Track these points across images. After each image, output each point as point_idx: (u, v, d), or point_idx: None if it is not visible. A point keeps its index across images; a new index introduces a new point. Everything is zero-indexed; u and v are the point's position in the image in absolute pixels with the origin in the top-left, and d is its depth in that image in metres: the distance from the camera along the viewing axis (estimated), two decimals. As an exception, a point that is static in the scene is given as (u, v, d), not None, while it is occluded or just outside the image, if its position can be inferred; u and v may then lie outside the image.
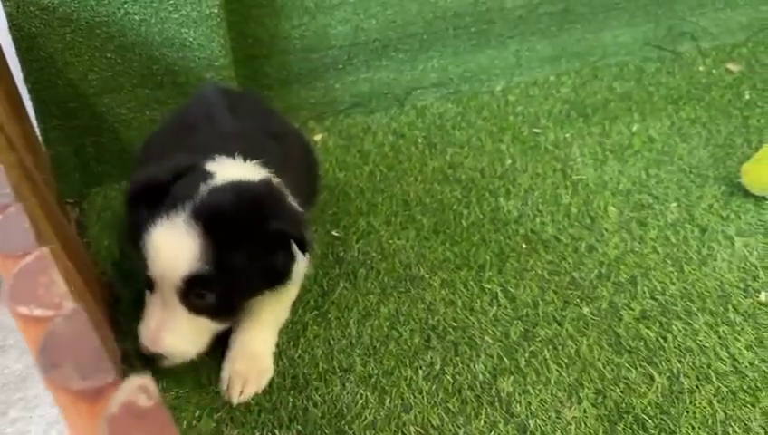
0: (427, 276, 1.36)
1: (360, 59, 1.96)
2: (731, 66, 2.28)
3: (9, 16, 1.43)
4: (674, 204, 1.58)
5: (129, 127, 1.66)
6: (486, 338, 1.21)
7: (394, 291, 1.33)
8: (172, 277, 1.01)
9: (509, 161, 1.78)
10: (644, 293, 1.31)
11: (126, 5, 1.52)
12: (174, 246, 1.00)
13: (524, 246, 1.45)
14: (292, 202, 1.14)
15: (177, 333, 1.05)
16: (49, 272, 0.51)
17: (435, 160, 1.79)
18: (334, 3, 1.84)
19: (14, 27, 1.46)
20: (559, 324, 1.23)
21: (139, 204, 1.06)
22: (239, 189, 1.05)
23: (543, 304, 1.28)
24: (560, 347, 1.19)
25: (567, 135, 1.90)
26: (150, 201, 1.04)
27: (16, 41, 1.48)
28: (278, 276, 1.12)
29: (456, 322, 1.25)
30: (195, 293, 1.03)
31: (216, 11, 1.54)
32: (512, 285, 1.33)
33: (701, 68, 2.29)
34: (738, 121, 1.93)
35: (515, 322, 1.24)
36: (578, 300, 1.29)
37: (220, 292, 1.04)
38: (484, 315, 1.26)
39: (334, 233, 1.48)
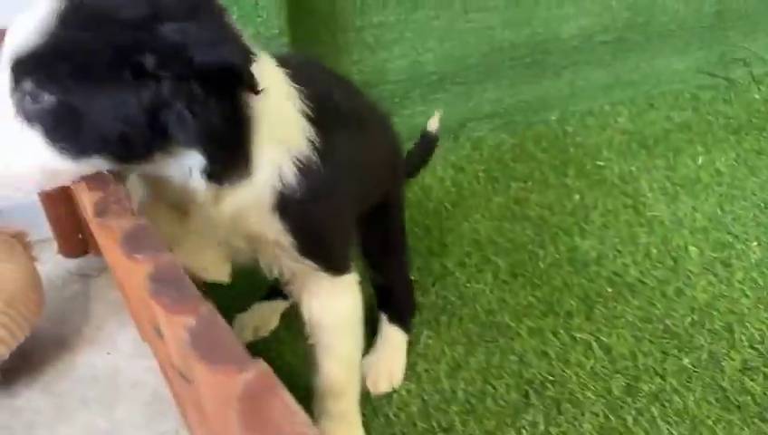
0: (512, 324, 1.31)
1: (417, 93, 1.92)
2: (789, 93, 2.24)
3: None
4: (754, 243, 1.53)
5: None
6: (588, 394, 1.16)
7: (481, 340, 1.28)
8: (5, 62, 0.71)
9: (577, 197, 1.73)
10: (742, 341, 1.26)
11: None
12: (20, 22, 0.71)
13: (609, 290, 1.40)
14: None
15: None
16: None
17: (499, 196, 1.74)
18: (393, 38, 1.80)
19: None
20: (661, 378, 1.18)
21: None
22: None
23: (642, 355, 1.23)
24: (666, 403, 1.14)
25: (632, 168, 1.85)
26: None
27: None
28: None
29: (552, 375, 1.20)
30: (26, 85, 0.70)
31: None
32: (604, 335, 1.28)
33: (756, 96, 2.24)
34: (807, 153, 1.89)
35: (615, 375, 1.19)
36: (676, 350, 1.24)
37: (59, 90, 0.69)
38: (582, 368, 1.21)
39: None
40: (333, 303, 0.98)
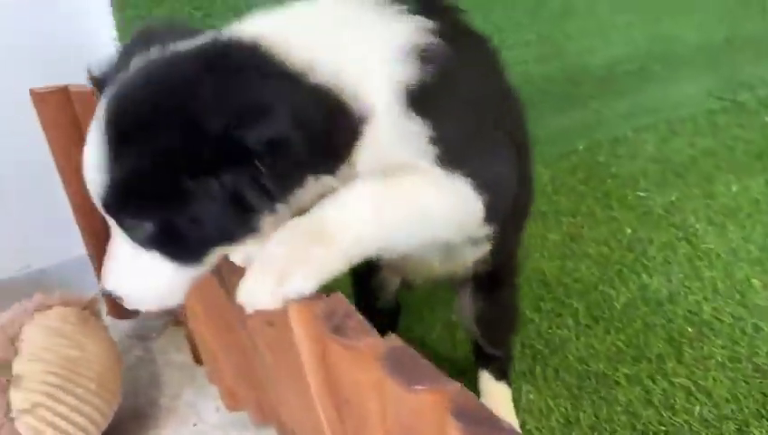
0: (609, 372, 1.31)
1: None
2: (797, 116, 2.32)
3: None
4: (810, 272, 1.56)
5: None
6: (705, 443, 1.16)
7: (583, 393, 1.27)
8: (97, 202, 0.73)
9: (629, 230, 1.75)
10: (832, 377, 1.29)
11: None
12: (90, 159, 0.72)
13: (690, 329, 1.41)
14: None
15: (125, 272, 0.76)
16: None
17: (553, 232, 1.75)
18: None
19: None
20: (769, 421, 1.20)
21: None
22: (171, 66, 0.70)
23: (742, 397, 1.24)
24: (781, 448, 1.15)
25: (672, 198, 1.89)
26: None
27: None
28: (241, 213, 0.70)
29: (663, 425, 1.20)
30: (124, 221, 0.73)
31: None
32: (700, 378, 1.29)
33: (767, 118, 2.31)
34: (829, 176, 1.95)
35: (725, 422, 1.20)
36: (773, 391, 1.25)
37: (149, 218, 0.71)
38: (690, 415, 1.21)
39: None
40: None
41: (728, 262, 1.61)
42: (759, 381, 1.28)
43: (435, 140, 0.74)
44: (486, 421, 0.50)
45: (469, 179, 0.77)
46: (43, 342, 1.13)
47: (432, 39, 0.76)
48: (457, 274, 1.04)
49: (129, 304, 0.78)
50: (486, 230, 0.86)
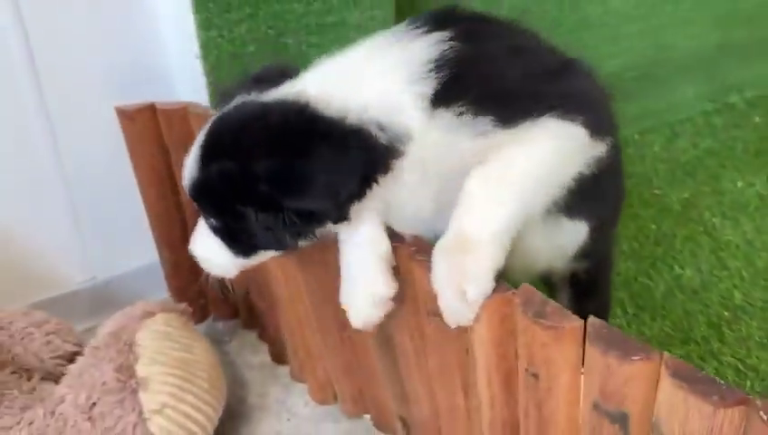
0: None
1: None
2: (784, 116, 2.51)
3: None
4: (821, 257, 1.73)
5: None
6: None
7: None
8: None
9: (653, 226, 1.89)
10: None
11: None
12: (189, 159, 0.94)
13: (726, 313, 1.55)
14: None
15: (202, 241, 0.97)
16: None
17: (583, 230, 1.87)
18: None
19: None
20: (811, 390, 1.34)
21: None
22: (231, 121, 0.90)
23: (783, 371, 1.39)
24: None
25: (686, 195, 2.04)
26: None
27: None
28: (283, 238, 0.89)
29: (721, 399, 1.33)
30: (202, 211, 0.95)
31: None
32: (744, 356, 1.43)
33: (757, 118, 2.50)
34: (822, 170, 2.13)
35: (773, 392, 1.34)
36: (810, 364, 1.40)
37: (215, 218, 0.92)
38: (743, 389, 1.34)
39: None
40: None
41: (747, 252, 1.76)
42: (795, 357, 1.43)
43: (478, 110, 0.79)
44: (701, 379, 0.60)
45: (549, 112, 0.80)
46: (156, 346, 1.20)
47: (446, 46, 0.83)
48: (557, 269, 1.15)
49: (203, 267, 1.00)
50: (602, 147, 0.86)
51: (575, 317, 0.69)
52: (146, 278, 1.67)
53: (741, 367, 1.41)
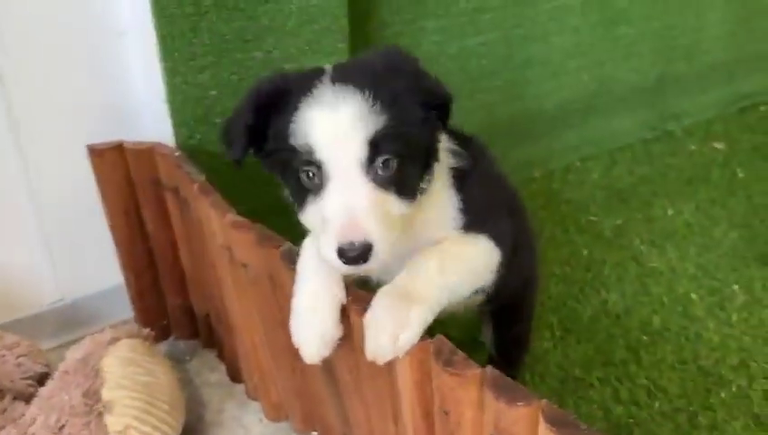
0: (584, 376, 1.60)
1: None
2: (716, 145, 2.70)
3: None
4: (735, 286, 1.91)
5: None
6: (663, 431, 1.46)
7: (564, 394, 1.55)
8: (354, 145, 0.90)
9: (585, 252, 2.06)
10: (758, 373, 1.62)
11: (280, 145, 1.65)
12: (343, 112, 0.90)
13: (645, 338, 1.72)
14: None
15: (374, 214, 0.90)
16: None
17: (523, 255, 2.02)
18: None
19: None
20: (712, 411, 1.51)
21: (263, 112, 0.97)
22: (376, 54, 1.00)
23: (691, 393, 1.55)
24: (721, 433, 1.47)
25: (618, 221, 2.21)
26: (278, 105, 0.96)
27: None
28: (431, 150, 1.01)
29: (632, 418, 1.49)
30: (381, 159, 0.92)
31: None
32: (657, 378, 1.59)
33: (693, 146, 2.69)
34: (744, 201, 2.32)
35: (679, 413, 1.50)
36: (715, 386, 1.57)
37: (401, 155, 0.93)
38: (651, 410, 1.51)
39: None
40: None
41: (670, 279, 1.93)
42: (703, 379, 1.60)
43: (465, 211, 1.08)
44: (571, 425, 0.75)
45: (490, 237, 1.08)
46: (121, 371, 1.31)
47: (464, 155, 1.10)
48: (470, 310, 1.32)
49: (374, 257, 0.91)
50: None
51: (476, 366, 0.83)
52: (112, 299, 1.78)
53: (652, 388, 1.57)
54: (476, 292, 1.12)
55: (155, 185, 1.50)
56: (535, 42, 2.21)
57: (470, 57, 2.09)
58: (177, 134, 1.52)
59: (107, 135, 1.51)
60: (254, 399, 1.53)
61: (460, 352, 0.86)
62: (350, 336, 1.02)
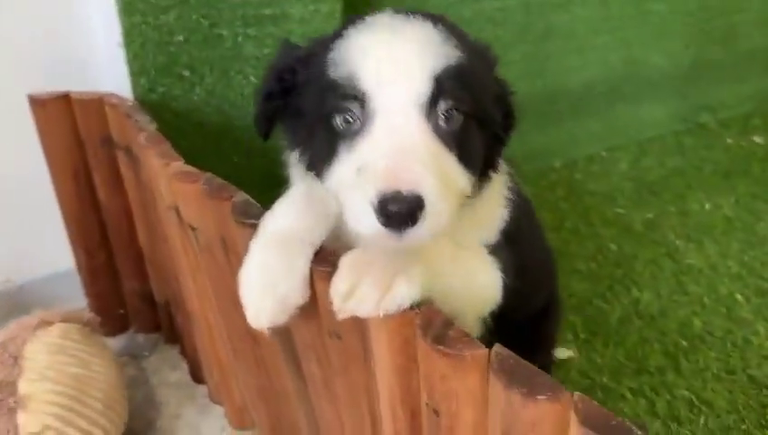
0: (613, 386, 1.33)
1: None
2: (756, 138, 2.44)
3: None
4: (787, 286, 1.64)
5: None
6: (713, 453, 1.20)
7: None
8: (417, 79, 0.69)
9: (613, 247, 1.79)
10: (820, 386, 1.35)
11: (259, 107, 1.41)
12: (406, 36, 0.71)
13: (684, 342, 1.45)
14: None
15: (431, 166, 0.66)
16: None
17: (540, 249, 1.77)
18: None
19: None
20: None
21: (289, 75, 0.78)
22: None
23: (742, 408, 1.29)
24: (783, 457, 1.20)
25: (649, 215, 1.95)
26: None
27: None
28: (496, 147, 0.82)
29: (672, 435, 1.23)
30: (448, 103, 0.71)
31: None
32: (700, 389, 1.33)
33: (729, 140, 2.42)
34: (792, 195, 2.06)
35: (730, 431, 1.24)
36: (768, 400, 1.30)
37: (467, 113, 0.72)
38: (695, 426, 1.25)
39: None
40: None
41: (711, 277, 1.66)
42: (755, 392, 1.33)
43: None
44: (616, 428, 0.49)
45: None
46: (47, 360, 1.07)
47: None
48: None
49: (422, 222, 0.69)
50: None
51: (478, 344, 0.58)
52: (67, 284, 1.54)
53: (695, 401, 1.31)
54: None
55: (106, 144, 1.27)
56: (557, 11, 1.97)
57: (486, 24, 1.85)
58: (134, 85, 1.29)
59: (56, 87, 1.27)
60: (218, 402, 1.28)
61: (457, 326, 0.60)
62: (315, 313, 0.77)
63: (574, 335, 1.47)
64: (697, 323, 1.51)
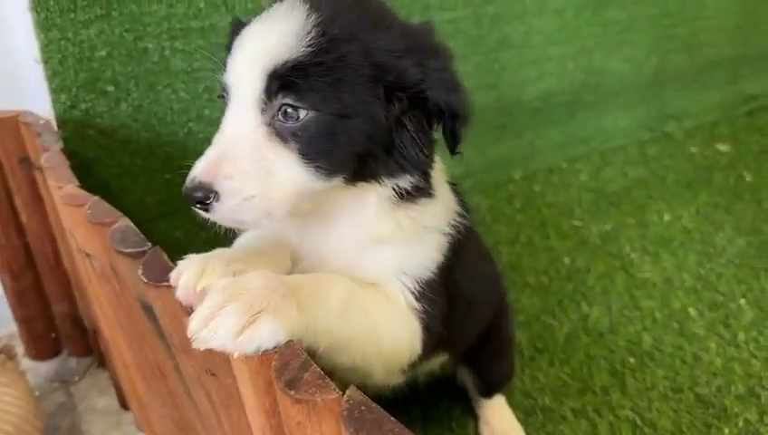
0: (555, 407, 1.29)
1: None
2: (720, 147, 2.41)
3: (65, 141, 1.23)
4: (742, 300, 1.60)
5: (183, 250, 1.48)
6: (653, 478, 1.15)
7: (530, 428, 1.25)
8: (254, 74, 0.71)
9: (567, 260, 1.76)
10: (768, 405, 1.31)
11: (190, 124, 1.37)
12: (267, 30, 0.73)
13: (632, 360, 1.41)
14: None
15: (244, 163, 0.70)
16: None
17: (493, 263, 1.73)
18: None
19: (69, 154, 1.27)
20: (713, 452, 1.20)
21: None
22: None
23: (686, 429, 1.25)
24: (726, 480, 1.15)
25: (607, 227, 1.91)
26: None
27: (71, 169, 1.28)
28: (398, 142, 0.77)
29: (612, 460, 1.18)
30: (285, 99, 0.71)
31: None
32: (644, 410, 1.29)
33: (694, 149, 2.39)
34: (753, 205, 2.02)
35: (671, 454, 1.19)
36: (715, 420, 1.26)
37: (319, 103, 0.70)
38: (636, 448, 1.20)
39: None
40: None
41: (664, 291, 1.63)
42: (701, 411, 1.29)
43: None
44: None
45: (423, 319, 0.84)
46: (-51, 392, 1.02)
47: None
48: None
49: (238, 216, 0.75)
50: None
51: (332, 388, 0.53)
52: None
53: (638, 422, 1.26)
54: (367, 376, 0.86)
55: (25, 165, 1.22)
56: (512, 22, 1.93)
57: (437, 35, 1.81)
58: (55, 102, 1.25)
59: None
60: (142, 431, 1.23)
61: (315, 368, 0.56)
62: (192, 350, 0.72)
63: (519, 354, 1.42)
64: (647, 339, 1.47)
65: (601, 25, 2.14)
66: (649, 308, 1.57)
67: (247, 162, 0.71)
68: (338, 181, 0.76)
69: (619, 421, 1.27)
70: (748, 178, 2.19)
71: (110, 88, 1.29)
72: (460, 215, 0.90)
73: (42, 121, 1.16)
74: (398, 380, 0.94)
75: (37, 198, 1.24)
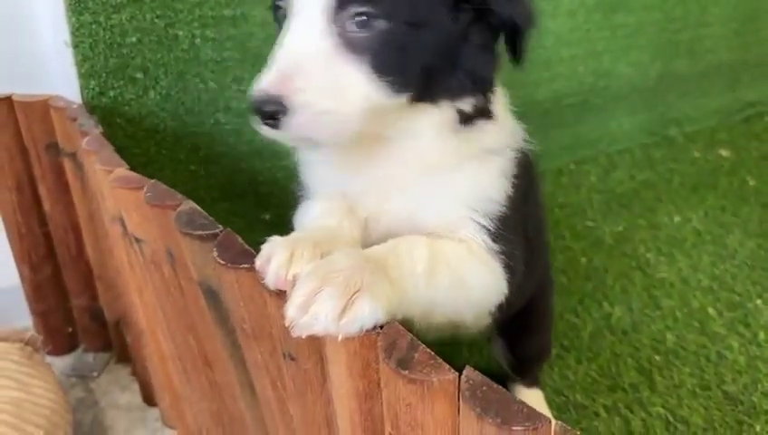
0: (587, 403, 1.29)
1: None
2: (722, 152, 2.44)
3: (93, 131, 1.20)
4: (759, 301, 1.61)
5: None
6: (690, 474, 1.15)
7: (566, 425, 1.23)
8: None
9: (583, 259, 1.76)
10: (795, 402, 1.31)
11: (217, 115, 1.35)
12: None
13: (657, 358, 1.41)
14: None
15: (317, 76, 0.67)
16: None
17: (510, 262, 1.72)
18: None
19: (97, 141, 1.24)
20: (746, 449, 1.20)
21: None
22: None
23: (719, 426, 1.25)
24: (762, 476, 1.16)
25: (620, 228, 1.92)
26: None
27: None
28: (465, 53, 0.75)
29: (648, 456, 1.18)
30: (359, 7, 0.67)
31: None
32: (675, 407, 1.28)
33: (696, 153, 2.42)
34: (758, 209, 2.05)
35: (706, 450, 1.19)
36: (746, 417, 1.27)
37: (393, 11, 0.68)
38: (671, 445, 1.20)
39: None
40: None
41: (682, 291, 1.63)
42: (731, 408, 1.29)
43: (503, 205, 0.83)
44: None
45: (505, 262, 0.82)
46: (-19, 383, 0.98)
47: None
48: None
49: (305, 131, 0.71)
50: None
51: (448, 369, 0.52)
52: (12, 301, 1.44)
53: (671, 419, 1.26)
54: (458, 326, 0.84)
55: (52, 151, 1.19)
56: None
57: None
58: (83, 88, 1.22)
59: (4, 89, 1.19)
60: (170, 427, 1.20)
61: (424, 348, 0.54)
62: (269, 333, 0.70)
63: (547, 351, 1.41)
64: (670, 337, 1.48)
65: (610, 29, 2.16)
66: (670, 307, 1.57)
67: (320, 75, 0.67)
68: (405, 99, 0.73)
69: (652, 418, 1.26)
70: (751, 183, 2.22)
71: (139, 75, 1.26)
72: (524, 140, 0.89)
73: (75, 106, 1.12)
74: (487, 322, 0.93)
75: (62, 186, 1.21)
